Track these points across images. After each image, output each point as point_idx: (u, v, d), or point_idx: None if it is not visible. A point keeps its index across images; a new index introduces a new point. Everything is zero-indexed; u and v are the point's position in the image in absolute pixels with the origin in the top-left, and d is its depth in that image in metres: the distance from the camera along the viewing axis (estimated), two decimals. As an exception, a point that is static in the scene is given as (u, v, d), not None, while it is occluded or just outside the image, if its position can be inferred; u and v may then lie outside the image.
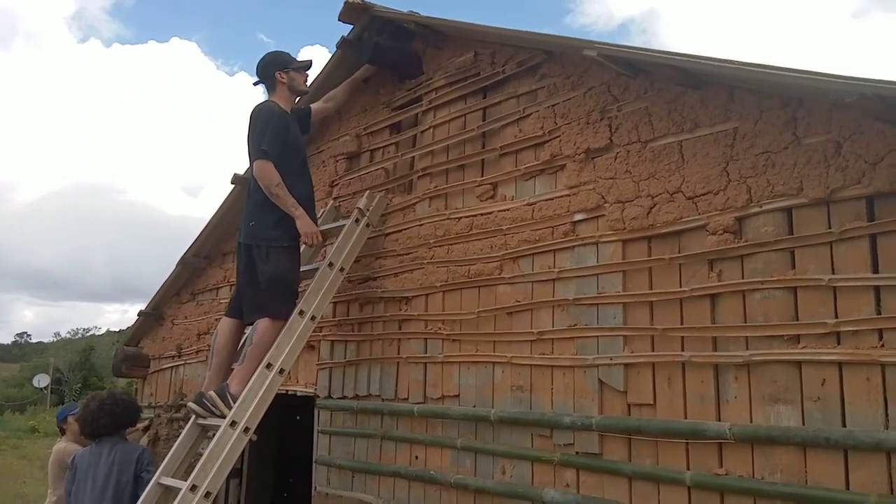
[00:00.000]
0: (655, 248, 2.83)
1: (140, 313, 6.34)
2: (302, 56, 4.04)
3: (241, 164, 4.36)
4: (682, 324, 2.69)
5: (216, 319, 5.44)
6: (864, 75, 2.11)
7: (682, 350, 2.66)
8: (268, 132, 3.62)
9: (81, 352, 47.02)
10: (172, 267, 5.85)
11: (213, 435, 3.38)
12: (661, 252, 2.79)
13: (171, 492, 3.35)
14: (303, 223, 3.63)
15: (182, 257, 5.72)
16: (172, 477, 3.42)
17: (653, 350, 2.76)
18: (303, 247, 3.81)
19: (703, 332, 2.61)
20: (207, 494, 3.14)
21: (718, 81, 2.67)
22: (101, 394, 3.86)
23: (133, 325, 6.64)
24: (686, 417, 2.62)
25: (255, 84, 3.88)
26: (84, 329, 61.03)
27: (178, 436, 5.40)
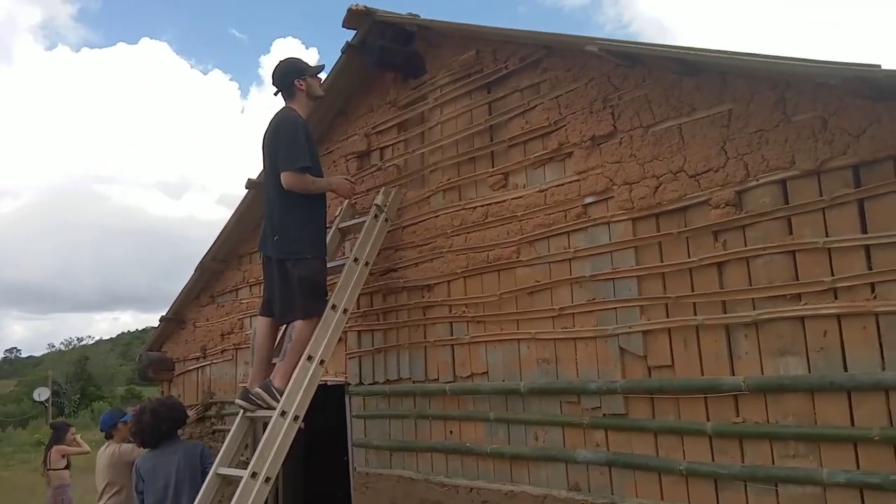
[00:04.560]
0: (663, 224, 3.09)
1: (162, 318, 6.57)
2: (304, 57, 4.15)
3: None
4: (693, 291, 2.96)
5: (239, 319, 5.70)
6: (846, 59, 2.37)
7: (695, 315, 2.94)
8: (299, 145, 3.81)
9: (76, 363, 47.00)
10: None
11: (264, 426, 3.63)
12: (669, 227, 3.06)
13: (229, 480, 3.61)
14: (342, 188, 4.16)
15: (201, 262, 5.94)
16: (228, 467, 3.67)
17: (668, 317, 3.03)
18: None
19: (713, 297, 2.89)
20: (267, 479, 3.40)
21: (712, 68, 2.92)
22: (148, 404, 4.07)
23: (155, 331, 6.86)
24: (703, 375, 2.90)
25: (275, 94, 4.05)
26: (78, 339, 60.95)
27: (210, 433, 5.68)
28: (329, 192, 4.15)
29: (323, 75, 4.36)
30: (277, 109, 4.03)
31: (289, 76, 4.02)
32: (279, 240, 3.89)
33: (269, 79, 4.07)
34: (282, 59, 4.11)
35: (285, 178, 3.78)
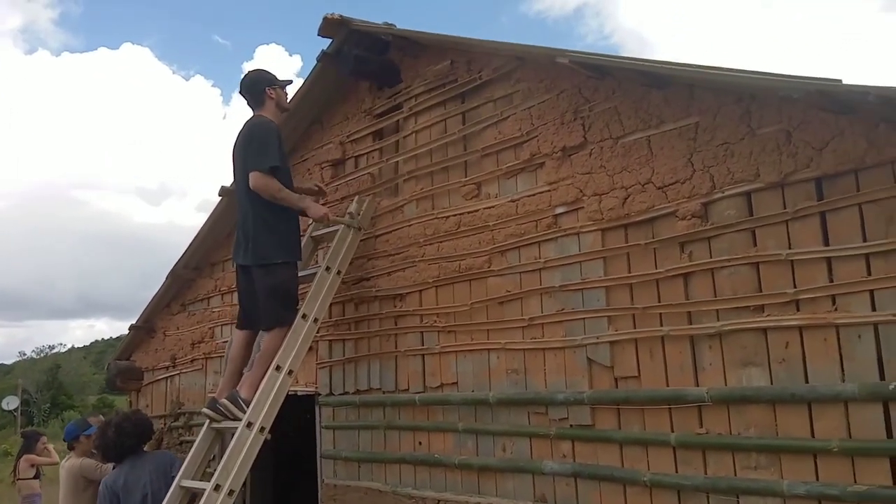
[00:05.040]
0: (632, 234, 3.10)
1: (131, 327, 6.48)
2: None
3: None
4: (659, 302, 2.97)
5: (209, 328, 5.64)
6: (810, 74, 2.41)
7: (661, 325, 2.95)
8: (270, 146, 3.81)
9: (47, 371, 46.18)
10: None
11: (231, 437, 3.57)
12: (636, 238, 3.08)
13: (193, 493, 3.54)
14: (313, 210, 3.99)
15: (172, 269, 5.87)
16: (192, 479, 3.60)
17: (635, 327, 3.04)
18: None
19: (679, 308, 2.90)
20: (231, 492, 3.35)
21: (678, 82, 2.95)
22: (113, 419, 3.99)
23: (124, 339, 6.76)
24: (668, 385, 2.91)
25: (248, 105, 4.05)
26: (49, 347, 59.80)
27: (178, 444, 5.59)
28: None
29: (300, 82, 4.39)
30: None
31: (259, 84, 4.05)
32: (250, 246, 3.86)
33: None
34: (250, 70, 4.17)
35: (252, 179, 3.76)
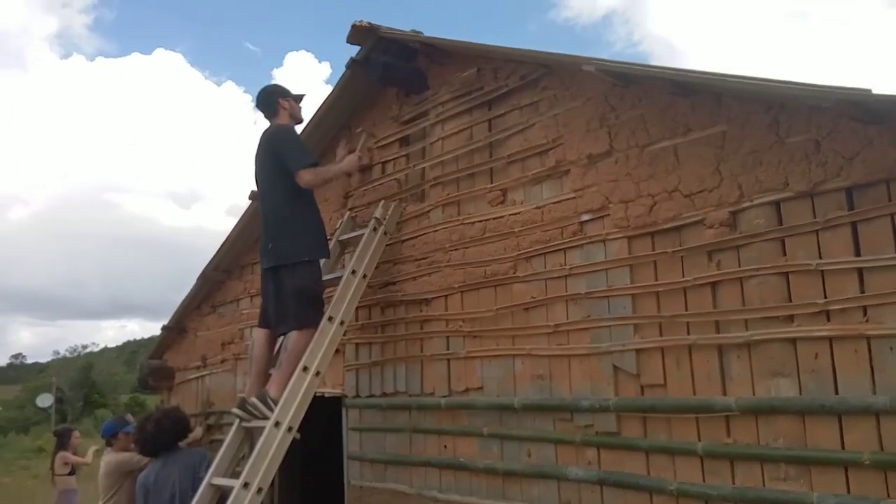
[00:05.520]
0: (658, 242, 3.10)
1: (163, 328, 6.61)
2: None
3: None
4: (686, 310, 2.96)
5: (239, 329, 5.73)
6: (839, 83, 2.39)
7: (688, 334, 2.93)
8: (302, 145, 4.06)
9: (81, 370, 47.16)
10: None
11: (259, 436, 3.64)
12: (663, 246, 3.07)
13: (223, 491, 3.61)
14: (348, 166, 4.40)
15: (202, 272, 5.99)
16: (222, 477, 3.68)
17: (661, 335, 3.03)
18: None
19: (707, 317, 2.88)
20: (259, 490, 3.41)
21: (705, 90, 2.94)
22: (153, 414, 4.14)
23: (157, 339, 6.90)
24: (695, 394, 2.89)
25: (265, 117, 4.20)
26: (82, 346, 61.10)
27: (209, 442, 5.69)
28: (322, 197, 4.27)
29: (329, 89, 4.45)
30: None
31: (273, 95, 4.22)
32: (273, 248, 3.96)
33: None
34: (267, 84, 4.36)
35: (303, 176, 3.90)
